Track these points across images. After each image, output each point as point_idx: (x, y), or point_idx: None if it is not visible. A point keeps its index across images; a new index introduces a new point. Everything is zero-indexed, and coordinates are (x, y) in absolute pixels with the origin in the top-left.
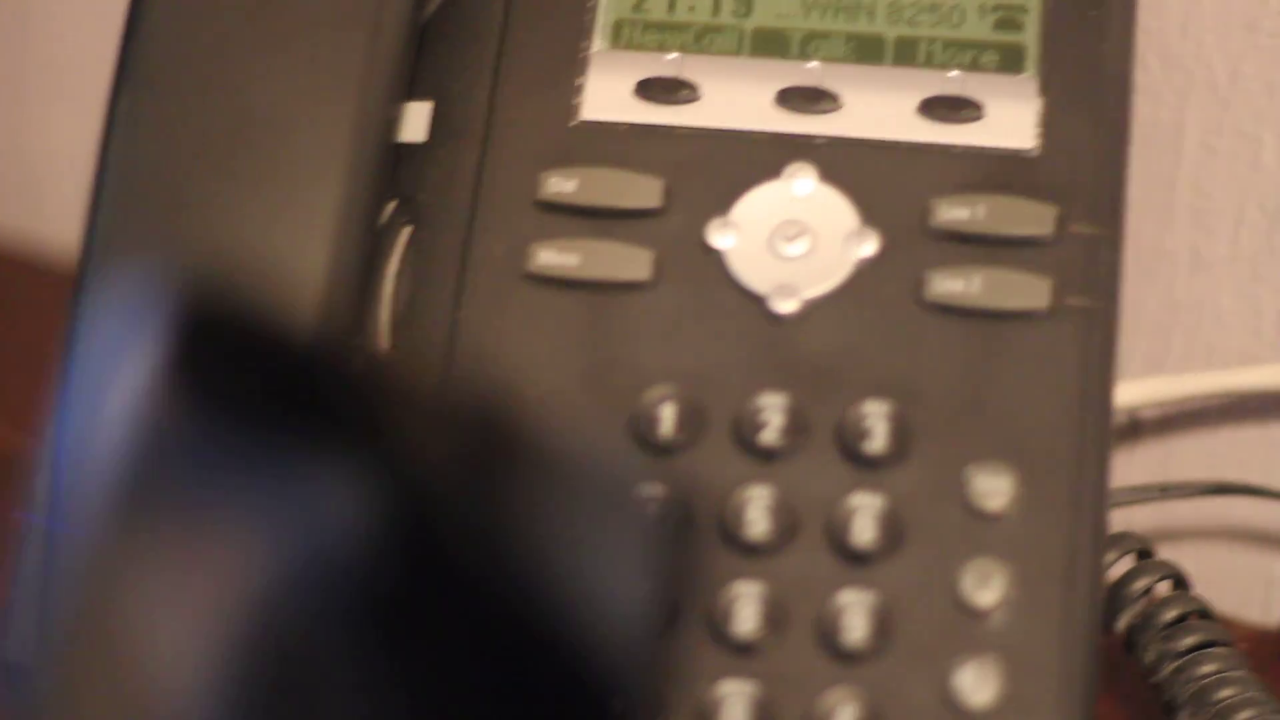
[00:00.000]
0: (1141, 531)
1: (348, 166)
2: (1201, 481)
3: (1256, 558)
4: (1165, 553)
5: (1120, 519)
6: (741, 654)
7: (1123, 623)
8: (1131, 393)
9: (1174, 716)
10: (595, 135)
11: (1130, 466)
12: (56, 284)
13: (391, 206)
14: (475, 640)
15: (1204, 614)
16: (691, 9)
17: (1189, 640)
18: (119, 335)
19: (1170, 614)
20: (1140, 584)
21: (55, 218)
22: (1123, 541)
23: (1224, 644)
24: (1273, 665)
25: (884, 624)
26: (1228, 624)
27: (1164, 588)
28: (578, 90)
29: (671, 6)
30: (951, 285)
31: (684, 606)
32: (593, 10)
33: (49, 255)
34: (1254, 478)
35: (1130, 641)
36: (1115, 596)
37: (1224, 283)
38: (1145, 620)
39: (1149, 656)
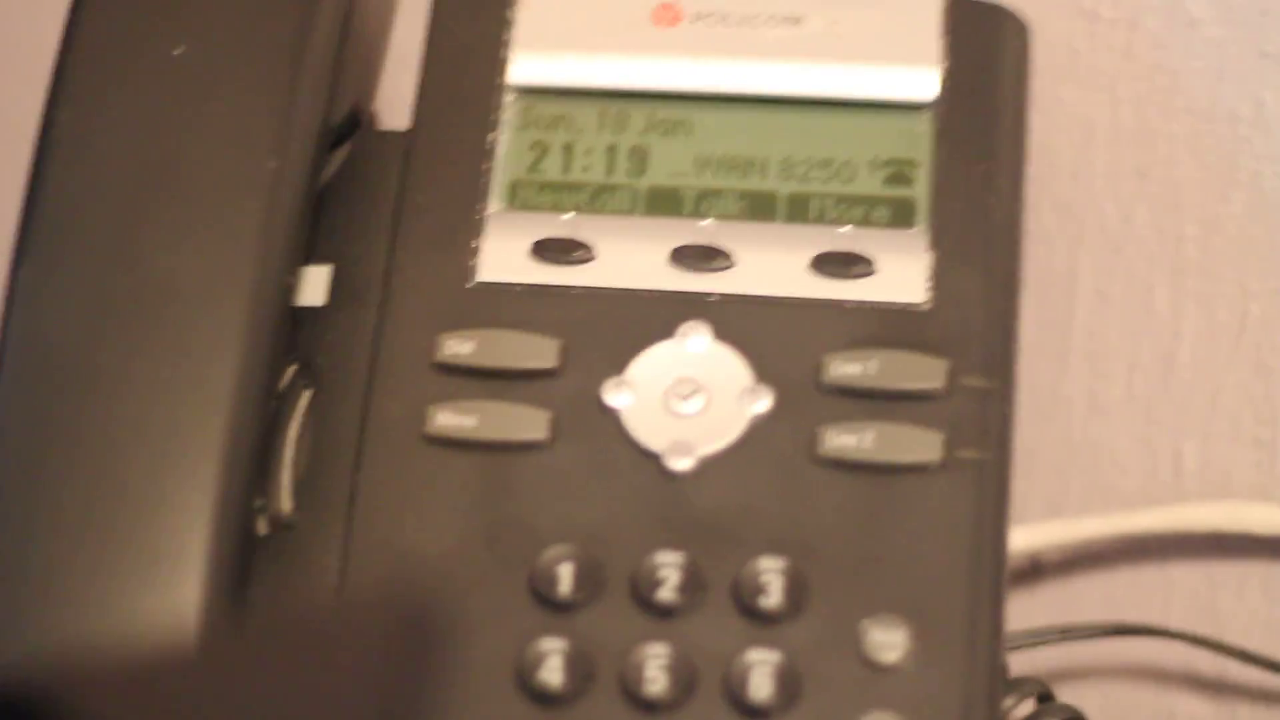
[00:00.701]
0: (1044, 672)
1: (246, 334)
2: (1102, 623)
3: (1157, 697)
4: (1067, 694)
5: (1022, 661)
6: None
7: None
8: (1031, 537)
9: None
10: (492, 296)
11: (1031, 608)
12: None
13: (292, 370)
14: None
15: None
16: (586, 169)
17: None
18: None
19: None
20: None
21: None
22: (1023, 686)
23: None
24: None
25: None
26: None
27: None
28: (474, 251)
29: (567, 167)
30: (844, 441)
31: None
32: (489, 171)
33: None
34: (1154, 618)
35: None
36: None
37: (1120, 426)
38: None
39: None
